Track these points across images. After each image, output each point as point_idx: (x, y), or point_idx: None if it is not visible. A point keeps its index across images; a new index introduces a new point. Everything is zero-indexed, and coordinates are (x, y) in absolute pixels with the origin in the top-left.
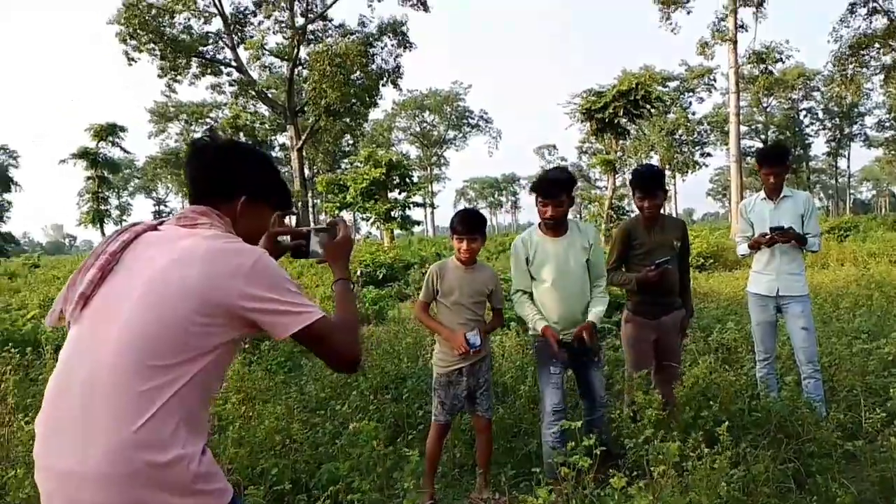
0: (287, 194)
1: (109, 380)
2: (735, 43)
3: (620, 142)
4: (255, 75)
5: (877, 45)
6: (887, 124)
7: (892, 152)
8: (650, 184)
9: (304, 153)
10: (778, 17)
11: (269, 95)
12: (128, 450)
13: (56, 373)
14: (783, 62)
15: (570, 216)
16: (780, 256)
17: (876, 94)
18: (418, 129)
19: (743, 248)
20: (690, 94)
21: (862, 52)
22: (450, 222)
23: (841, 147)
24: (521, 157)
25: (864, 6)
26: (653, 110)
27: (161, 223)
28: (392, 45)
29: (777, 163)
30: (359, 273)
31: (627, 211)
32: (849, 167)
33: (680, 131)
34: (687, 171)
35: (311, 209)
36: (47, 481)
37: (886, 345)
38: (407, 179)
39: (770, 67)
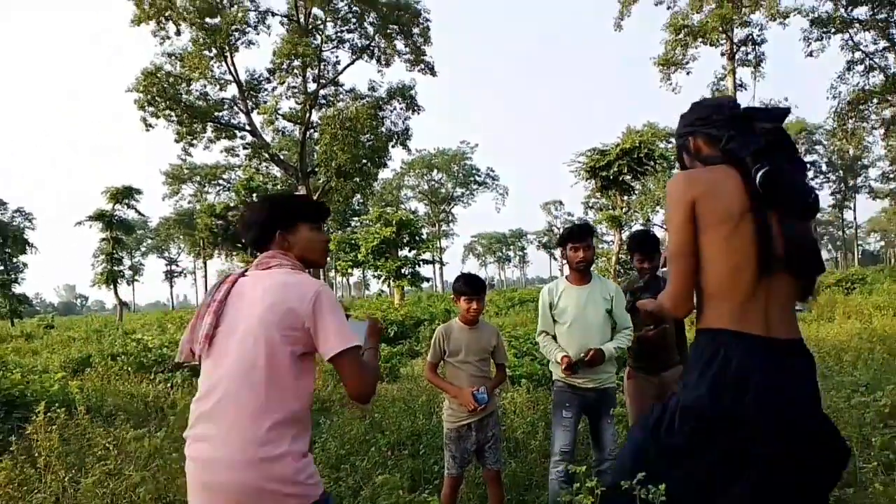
0: (314, 205)
1: (236, 397)
2: None
3: (625, 198)
4: (268, 138)
5: (875, 100)
6: (891, 175)
7: None
8: (647, 247)
9: None
10: (776, 74)
11: (282, 157)
12: (250, 447)
13: (199, 396)
14: None
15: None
16: None
17: (878, 146)
18: (426, 187)
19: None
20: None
21: (861, 106)
22: (453, 287)
23: (846, 199)
24: (528, 213)
25: (861, 63)
26: (657, 167)
27: (246, 271)
28: (401, 108)
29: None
30: None
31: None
32: (855, 219)
33: None
34: None
35: (332, 266)
36: (195, 468)
37: (883, 397)
38: (416, 237)
39: None
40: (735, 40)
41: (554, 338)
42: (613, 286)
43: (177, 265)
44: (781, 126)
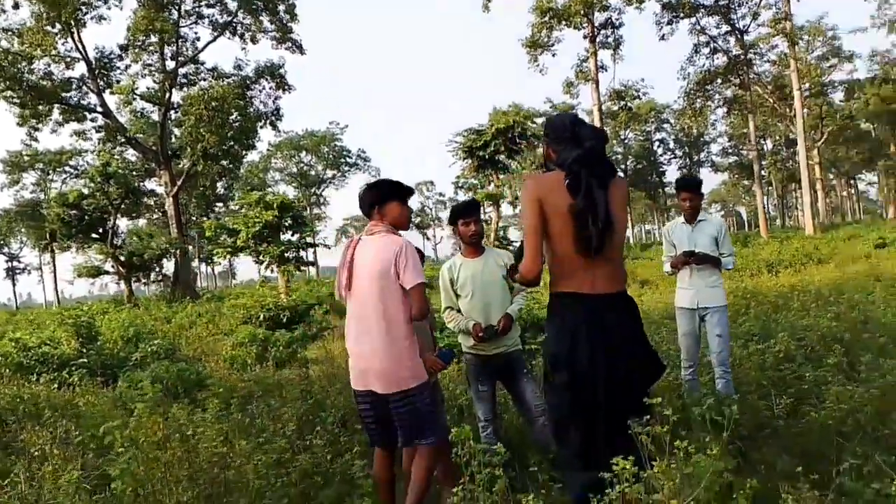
0: (401, 188)
1: (374, 314)
2: (597, 82)
3: (501, 176)
4: (123, 120)
5: (719, 80)
6: (730, 151)
7: (736, 176)
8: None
9: (179, 198)
10: (634, 56)
11: (139, 140)
12: (389, 339)
13: (348, 318)
14: (640, 98)
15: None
16: (698, 273)
17: (720, 124)
18: (295, 169)
19: (667, 267)
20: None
21: (707, 86)
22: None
23: (691, 173)
24: None
25: (707, 46)
26: (529, 146)
27: (361, 237)
28: (270, 88)
29: (693, 189)
30: (261, 317)
31: (513, 241)
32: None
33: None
34: None
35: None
36: (358, 359)
37: (777, 344)
38: (300, 220)
39: (629, 104)
40: (596, 24)
41: (459, 312)
42: (505, 254)
43: (19, 261)
44: (601, 140)
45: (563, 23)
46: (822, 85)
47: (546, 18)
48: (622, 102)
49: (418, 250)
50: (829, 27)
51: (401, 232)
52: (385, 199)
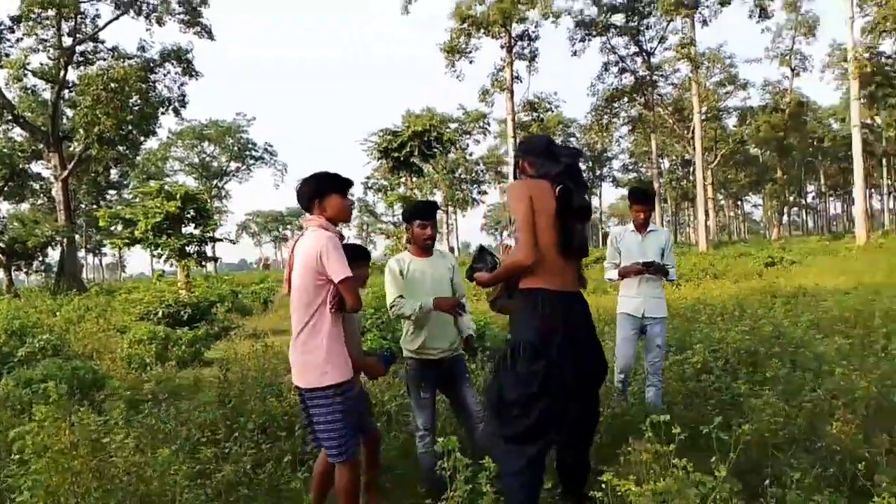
0: (339, 179)
1: (299, 308)
2: (512, 92)
3: (415, 179)
4: (10, 96)
5: (626, 98)
6: (630, 167)
7: None
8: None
9: (68, 183)
10: (547, 71)
11: (27, 119)
12: (310, 332)
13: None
14: (552, 111)
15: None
16: (647, 282)
17: (623, 141)
18: (197, 160)
19: (611, 274)
20: (468, 136)
21: (614, 104)
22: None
23: (594, 187)
24: None
25: (616, 65)
26: (441, 150)
27: (304, 233)
28: (176, 73)
29: (647, 201)
30: (159, 314)
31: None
32: (601, 205)
33: (460, 170)
34: (466, 207)
35: (82, 245)
36: (290, 352)
37: (694, 355)
38: (203, 213)
39: (541, 115)
40: (513, 34)
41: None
42: (453, 258)
43: None
44: (576, 157)
45: (482, 31)
46: (718, 110)
47: (465, 25)
48: (535, 114)
49: (361, 248)
50: (727, 55)
51: (341, 225)
52: (324, 192)
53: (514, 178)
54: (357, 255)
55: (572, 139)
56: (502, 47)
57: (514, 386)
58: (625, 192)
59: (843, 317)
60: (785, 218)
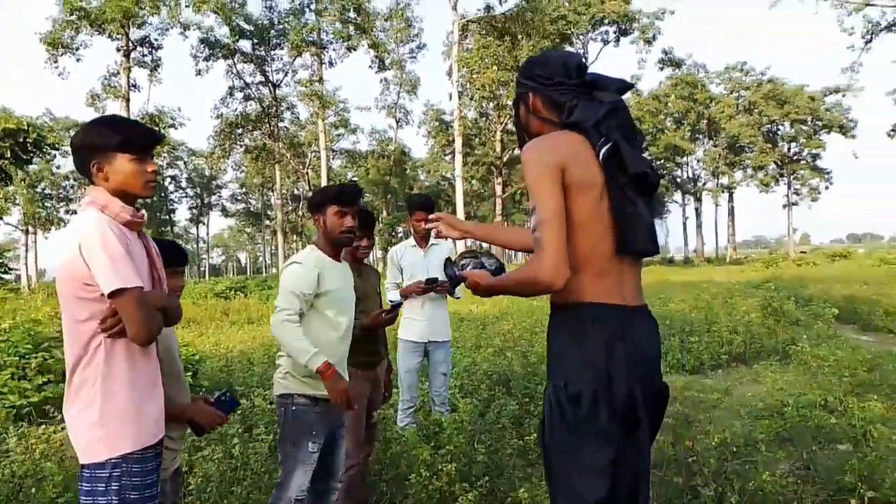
0: (133, 132)
1: None
2: (128, 101)
3: (8, 188)
4: None
5: (250, 126)
6: (239, 197)
7: (242, 222)
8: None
9: None
10: (179, 83)
11: None
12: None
13: None
14: (175, 128)
15: None
16: (430, 304)
17: (232, 170)
18: None
19: (393, 295)
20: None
21: (239, 130)
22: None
23: (202, 215)
24: None
25: (242, 91)
26: (43, 156)
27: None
28: None
29: (430, 207)
30: None
31: None
32: (208, 234)
33: (44, 184)
34: (50, 228)
35: None
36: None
37: None
38: None
39: (163, 130)
40: (132, 39)
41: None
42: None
43: None
44: (621, 98)
45: (94, 28)
46: (332, 150)
47: (74, 17)
48: (157, 128)
49: (173, 245)
50: (341, 99)
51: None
52: (107, 147)
53: (520, 138)
54: (167, 259)
55: (179, 162)
56: (119, 50)
57: (582, 449)
58: (232, 222)
59: None
60: None
